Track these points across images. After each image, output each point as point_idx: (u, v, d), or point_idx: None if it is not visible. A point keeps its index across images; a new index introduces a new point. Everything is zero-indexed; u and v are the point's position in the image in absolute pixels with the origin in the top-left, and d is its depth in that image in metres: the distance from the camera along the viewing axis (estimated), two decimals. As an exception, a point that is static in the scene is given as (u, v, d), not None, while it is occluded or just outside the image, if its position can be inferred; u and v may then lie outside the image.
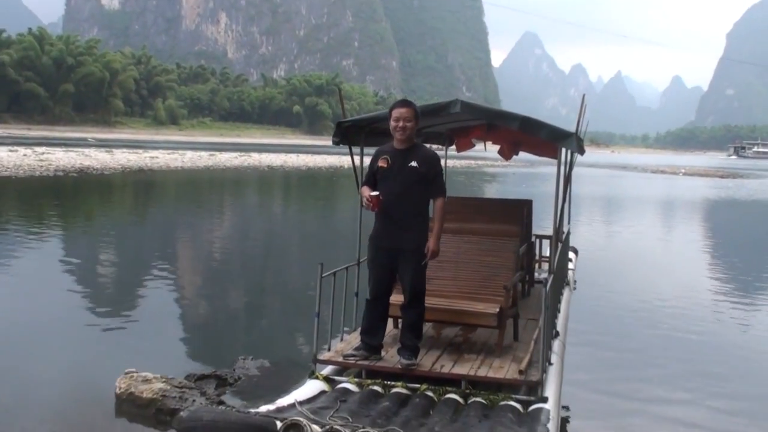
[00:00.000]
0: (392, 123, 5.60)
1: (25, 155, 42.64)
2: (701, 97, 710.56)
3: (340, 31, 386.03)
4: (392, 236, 5.63)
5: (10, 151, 44.64)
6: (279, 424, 4.03)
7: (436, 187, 5.66)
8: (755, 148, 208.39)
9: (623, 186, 51.39)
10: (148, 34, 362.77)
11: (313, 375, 5.54)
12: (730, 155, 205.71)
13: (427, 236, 5.64)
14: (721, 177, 68.60)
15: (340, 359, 5.75)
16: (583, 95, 6.79)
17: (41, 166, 37.47)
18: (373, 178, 5.76)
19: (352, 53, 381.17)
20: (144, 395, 6.37)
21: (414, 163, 5.57)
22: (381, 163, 5.68)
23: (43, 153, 45.51)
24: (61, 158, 43.05)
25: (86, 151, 52.96)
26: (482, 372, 5.49)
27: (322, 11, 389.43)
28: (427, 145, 6.74)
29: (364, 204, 5.72)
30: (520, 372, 5.40)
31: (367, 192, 5.63)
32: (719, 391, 7.85)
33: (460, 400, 5.17)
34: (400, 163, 5.60)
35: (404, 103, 5.72)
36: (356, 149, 6.64)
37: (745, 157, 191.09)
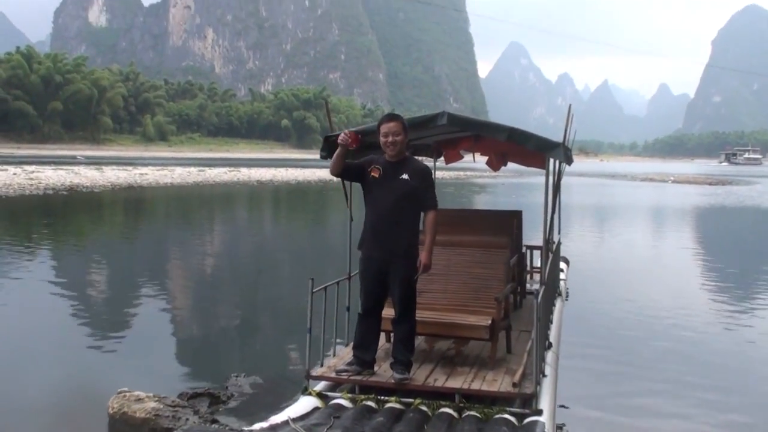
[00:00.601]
0: (382, 139, 5.59)
1: (14, 174, 42.51)
2: (688, 104, 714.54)
3: (326, 45, 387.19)
4: (382, 248, 5.60)
5: (0, 170, 44.46)
6: (273, 442, 4.01)
7: (427, 200, 5.63)
8: (746, 155, 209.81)
9: (613, 195, 51.48)
10: (136, 50, 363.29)
11: (306, 391, 5.50)
12: (721, 162, 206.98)
13: (417, 249, 5.61)
14: (710, 184, 68.74)
15: (333, 375, 5.72)
16: (569, 105, 6.81)
17: (31, 185, 37.35)
18: (359, 168, 5.75)
19: (339, 66, 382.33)
20: (137, 415, 6.32)
21: (405, 176, 5.56)
22: (373, 173, 5.65)
23: (32, 171, 45.40)
24: (51, 176, 42.92)
25: (76, 168, 52.87)
26: (476, 385, 5.47)
27: (309, 25, 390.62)
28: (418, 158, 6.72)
29: (340, 139, 5.62)
30: (514, 385, 5.38)
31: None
32: (715, 403, 7.80)
33: (455, 414, 5.14)
34: (391, 176, 5.58)
35: (391, 117, 5.69)
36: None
37: (736, 163, 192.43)
